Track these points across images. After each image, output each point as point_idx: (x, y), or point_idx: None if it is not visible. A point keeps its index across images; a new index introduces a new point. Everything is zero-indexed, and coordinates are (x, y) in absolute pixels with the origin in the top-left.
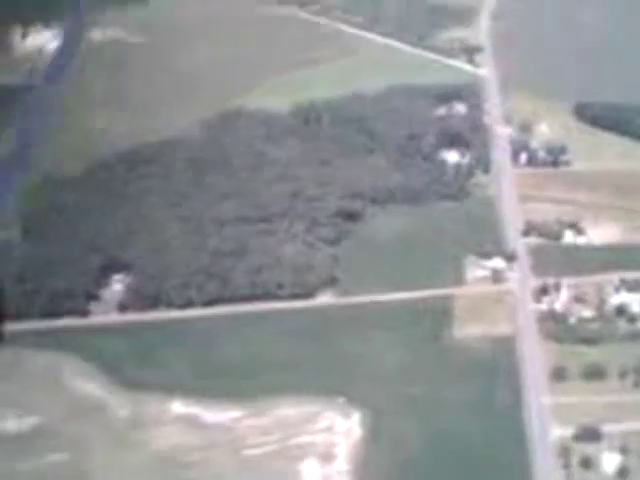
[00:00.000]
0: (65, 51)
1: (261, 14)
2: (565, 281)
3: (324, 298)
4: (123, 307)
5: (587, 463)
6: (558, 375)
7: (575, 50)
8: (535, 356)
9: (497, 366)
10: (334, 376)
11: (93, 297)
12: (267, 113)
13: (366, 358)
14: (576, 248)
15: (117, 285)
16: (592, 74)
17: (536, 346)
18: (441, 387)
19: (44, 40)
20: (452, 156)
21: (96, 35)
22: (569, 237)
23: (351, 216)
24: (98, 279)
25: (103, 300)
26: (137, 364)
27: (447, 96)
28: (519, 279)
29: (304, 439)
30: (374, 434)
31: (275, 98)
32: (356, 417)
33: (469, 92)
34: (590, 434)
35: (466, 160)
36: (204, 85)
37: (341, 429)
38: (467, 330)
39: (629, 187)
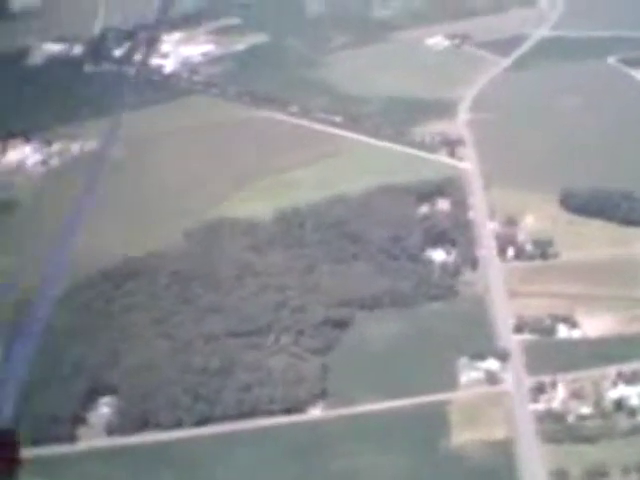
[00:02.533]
0: None
1: (239, 119)
2: (561, 377)
3: (315, 412)
4: (111, 430)
5: None
6: (560, 478)
7: (556, 140)
8: (535, 460)
9: (497, 473)
10: None
11: (80, 421)
12: (250, 221)
13: (361, 473)
14: (570, 342)
15: (104, 408)
16: (575, 163)
17: (535, 449)
18: None
19: (24, 155)
20: (438, 255)
21: (75, 148)
22: (563, 331)
23: (338, 324)
24: (84, 403)
25: (90, 424)
26: None
27: (430, 193)
28: (514, 379)
29: None
30: None
31: (257, 205)
32: None
33: (452, 187)
34: None
35: (452, 258)
36: (186, 195)
37: None
38: (464, 437)
39: (621, 275)
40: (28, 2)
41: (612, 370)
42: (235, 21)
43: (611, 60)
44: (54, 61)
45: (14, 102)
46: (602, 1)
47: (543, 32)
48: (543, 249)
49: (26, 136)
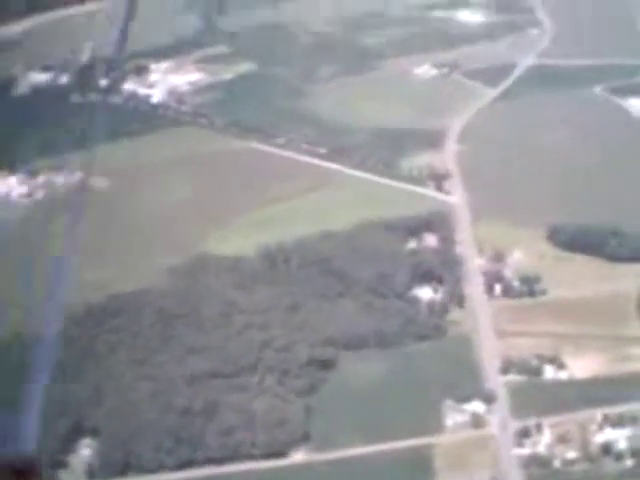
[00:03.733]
0: None
1: (226, 150)
2: (547, 421)
3: (298, 455)
4: (92, 474)
5: None
6: None
7: (544, 173)
8: None
9: None
10: None
11: (61, 464)
12: (235, 258)
13: None
14: (557, 384)
15: (85, 450)
16: (563, 197)
17: None
18: None
19: (9, 187)
20: (425, 292)
21: (59, 180)
22: (549, 372)
23: (323, 365)
24: (65, 445)
25: (71, 467)
26: None
27: (417, 228)
28: (499, 422)
29: None
30: None
31: (242, 240)
32: None
33: (439, 222)
34: None
35: (439, 296)
36: (170, 230)
37: None
38: None
39: (610, 313)
40: (11, 30)
41: (599, 413)
42: (223, 49)
43: (598, 89)
44: (40, 91)
45: None
46: (590, 29)
47: (531, 61)
48: (530, 286)
49: (11, 168)
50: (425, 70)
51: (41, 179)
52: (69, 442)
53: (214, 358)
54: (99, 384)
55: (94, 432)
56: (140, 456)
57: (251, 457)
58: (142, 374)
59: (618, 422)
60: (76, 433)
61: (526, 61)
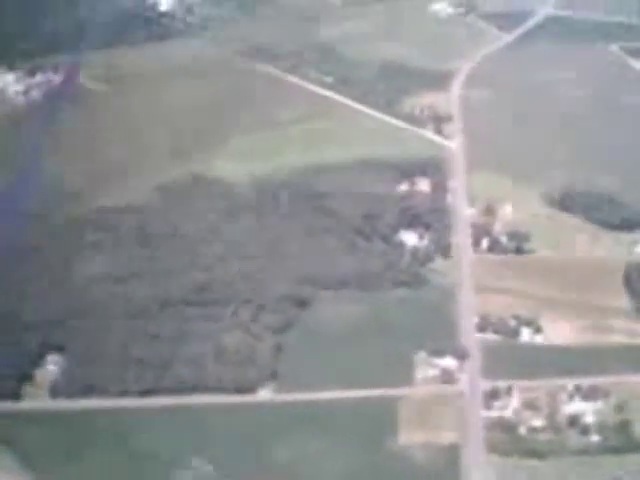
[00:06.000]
0: None
1: (228, 67)
2: (517, 385)
3: (264, 393)
4: (56, 391)
5: None
6: None
7: (547, 129)
8: (480, 472)
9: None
10: None
11: (27, 378)
12: (225, 183)
13: (303, 464)
14: (532, 348)
15: (51, 366)
16: (564, 156)
17: (482, 459)
18: None
19: (6, 83)
20: (410, 238)
21: (57, 80)
22: (526, 335)
23: (300, 302)
24: (33, 359)
25: (36, 382)
26: (64, 460)
27: (411, 171)
28: (470, 381)
29: None
30: None
31: (236, 164)
32: None
33: (434, 167)
34: None
35: (425, 243)
36: (165, 145)
37: None
38: (411, 436)
39: (595, 281)
40: None
41: (570, 383)
42: None
43: (614, 48)
44: None
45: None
46: None
47: (549, 10)
48: (518, 243)
49: (10, 64)
50: (442, 7)
51: (38, 78)
52: (37, 357)
53: (191, 284)
54: (72, 300)
55: (61, 349)
56: (105, 378)
57: (217, 390)
58: (117, 294)
59: (588, 394)
60: (44, 348)
61: (544, 10)
